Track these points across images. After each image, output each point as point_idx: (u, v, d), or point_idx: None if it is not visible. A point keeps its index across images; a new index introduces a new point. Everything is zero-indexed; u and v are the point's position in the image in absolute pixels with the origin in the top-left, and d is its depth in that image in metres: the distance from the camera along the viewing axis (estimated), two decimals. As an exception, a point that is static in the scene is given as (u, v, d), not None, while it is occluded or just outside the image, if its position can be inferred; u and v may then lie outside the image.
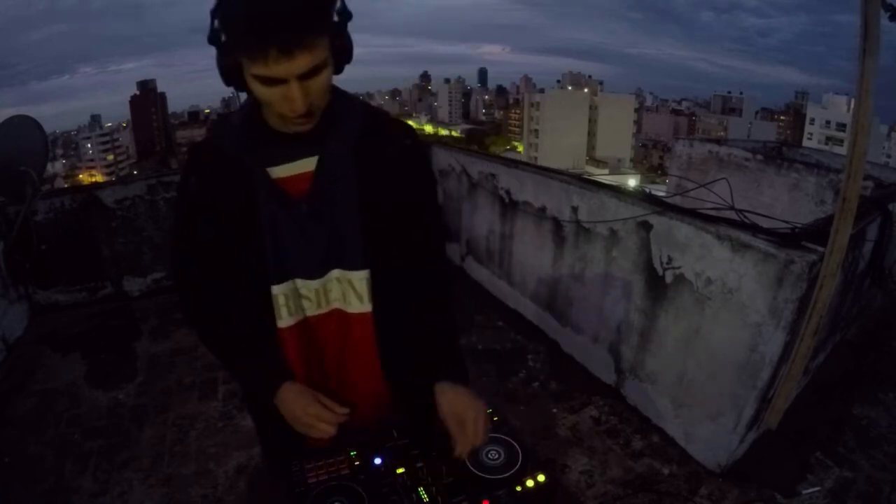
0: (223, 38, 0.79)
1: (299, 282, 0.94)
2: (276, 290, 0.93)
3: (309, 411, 0.92)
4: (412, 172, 0.98)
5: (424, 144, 1.04)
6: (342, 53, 0.84)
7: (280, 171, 0.90)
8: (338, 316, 0.98)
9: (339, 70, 0.86)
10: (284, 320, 0.96)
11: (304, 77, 0.78)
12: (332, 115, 0.90)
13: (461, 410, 0.92)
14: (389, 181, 0.94)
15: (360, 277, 0.95)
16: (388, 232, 0.95)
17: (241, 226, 0.90)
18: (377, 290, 0.97)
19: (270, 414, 0.96)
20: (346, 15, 0.83)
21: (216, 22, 0.78)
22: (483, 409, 0.94)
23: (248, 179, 0.89)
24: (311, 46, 0.75)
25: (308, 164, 0.90)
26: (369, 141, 0.93)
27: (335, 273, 0.95)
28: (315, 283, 0.95)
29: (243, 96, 0.88)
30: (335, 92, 0.92)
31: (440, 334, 1.03)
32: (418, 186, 0.99)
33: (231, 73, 0.81)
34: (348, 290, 0.96)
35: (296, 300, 0.95)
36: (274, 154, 0.90)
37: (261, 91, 0.80)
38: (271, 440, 1.13)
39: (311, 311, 0.97)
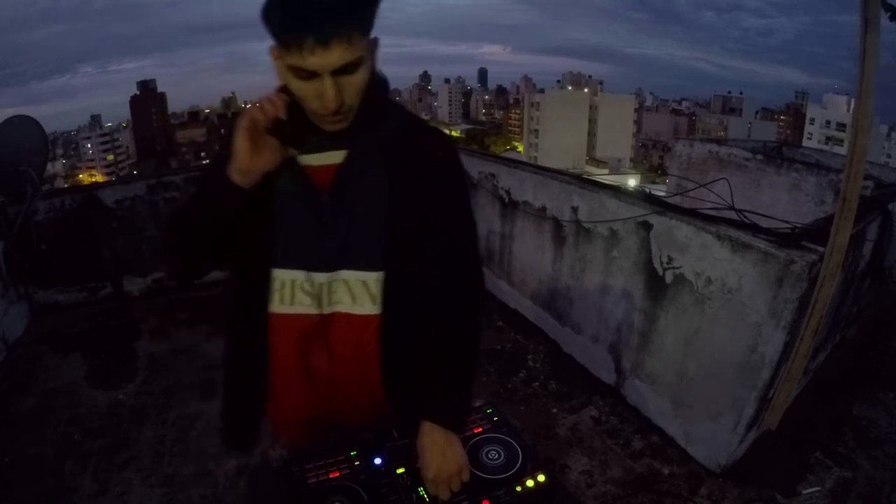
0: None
1: (304, 273, 0.91)
2: (277, 273, 0.91)
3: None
4: (442, 184, 0.96)
5: (458, 156, 1.00)
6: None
7: (309, 159, 0.90)
8: (340, 317, 0.94)
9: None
10: (276, 306, 0.93)
11: (338, 73, 0.77)
12: (369, 114, 0.89)
13: (436, 470, 0.90)
14: (418, 189, 0.92)
15: (375, 279, 0.92)
16: (410, 238, 0.93)
17: (256, 202, 0.87)
18: (389, 294, 0.94)
19: (243, 390, 1.00)
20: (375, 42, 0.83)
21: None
22: (460, 469, 0.91)
23: None
24: (349, 39, 0.74)
25: (336, 157, 0.90)
26: (402, 146, 0.92)
27: (343, 274, 0.92)
28: (321, 278, 0.92)
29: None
30: (378, 93, 0.91)
31: (446, 363, 0.99)
32: (447, 198, 0.97)
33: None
34: (360, 291, 0.92)
35: (294, 291, 0.92)
36: (306, 141, 0.89)
37: (295, 85, 0.79)
38: (235, 417, 1.08)
39: (312, 307, 0.93)
